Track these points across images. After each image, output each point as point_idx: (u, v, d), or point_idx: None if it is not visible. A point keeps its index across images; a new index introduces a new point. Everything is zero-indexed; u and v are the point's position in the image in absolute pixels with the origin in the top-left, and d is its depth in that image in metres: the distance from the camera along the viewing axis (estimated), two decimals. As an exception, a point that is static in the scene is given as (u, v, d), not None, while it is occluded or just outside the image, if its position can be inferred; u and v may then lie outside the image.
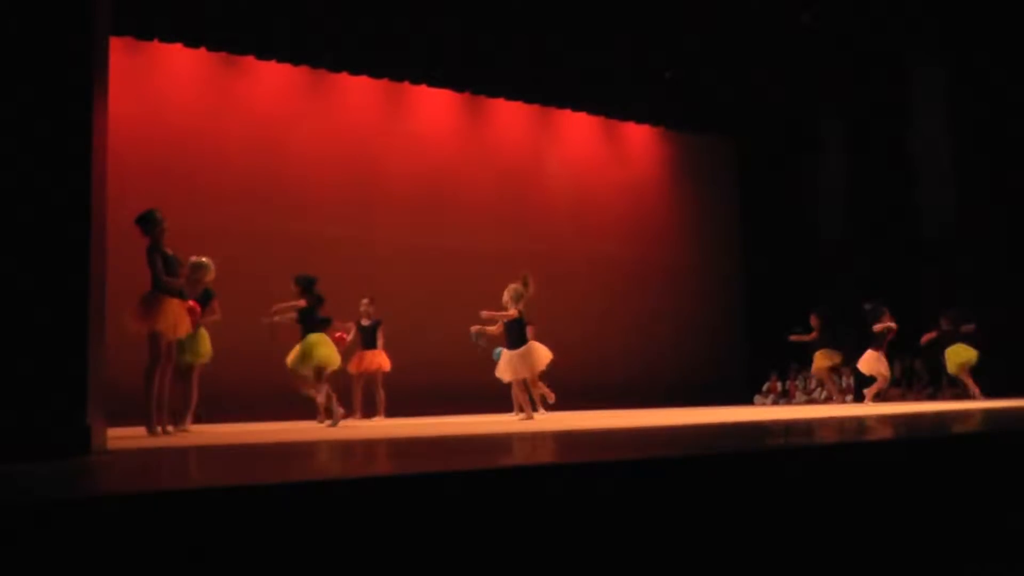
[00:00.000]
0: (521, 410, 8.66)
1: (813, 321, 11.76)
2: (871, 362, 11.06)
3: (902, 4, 12.23)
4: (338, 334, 9.66)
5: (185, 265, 6.85)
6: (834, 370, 12.05)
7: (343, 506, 1.93)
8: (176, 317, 6.54)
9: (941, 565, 2.82)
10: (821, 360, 11.69)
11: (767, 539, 2.53)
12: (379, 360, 9.95)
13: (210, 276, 7.01)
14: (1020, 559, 2.96)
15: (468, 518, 2.06)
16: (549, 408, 9.05)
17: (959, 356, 11.11)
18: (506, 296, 8.47)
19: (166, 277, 6.49)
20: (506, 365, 8.49)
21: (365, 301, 10.04)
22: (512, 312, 8.41)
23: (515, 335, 8.44)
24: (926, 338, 11.47)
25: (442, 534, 2.01)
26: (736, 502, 2.51)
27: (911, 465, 3.05)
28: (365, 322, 9.98)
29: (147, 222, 6.58)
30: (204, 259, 6.94)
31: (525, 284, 8.46)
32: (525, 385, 8.56)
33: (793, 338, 11.89)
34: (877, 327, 11.04)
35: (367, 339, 9.94)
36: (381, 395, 9.99)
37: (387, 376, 10.18)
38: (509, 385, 10.41)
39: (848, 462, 2.93)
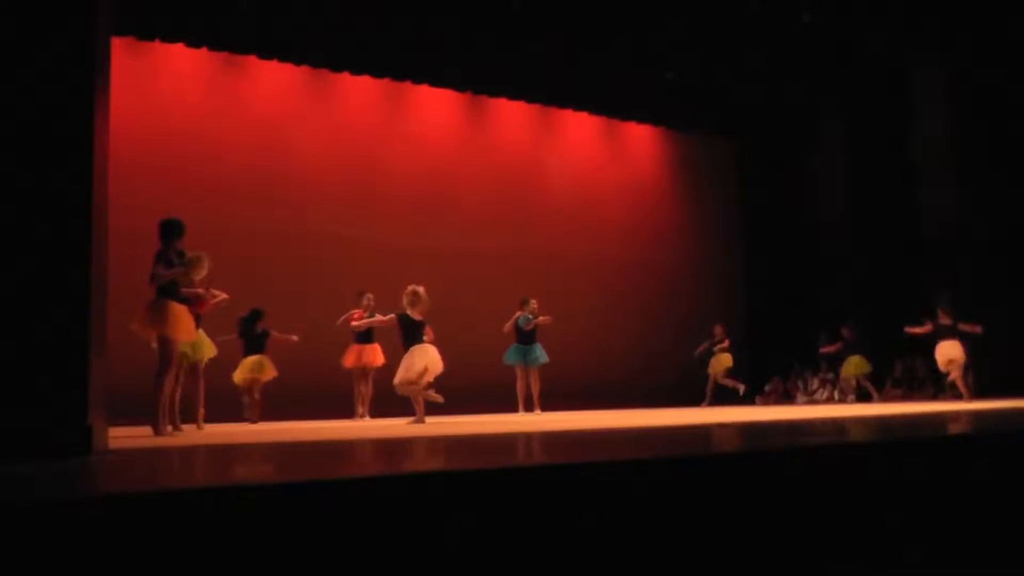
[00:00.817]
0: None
1: (719, 330, 13.38)
2: (945, 351, 11.04)
3: (902, 4, 12.23)
4: (357, 313, 9.79)
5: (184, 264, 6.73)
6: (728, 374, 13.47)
7: (342, 506, 1.94)
8: (182, 321, 6.59)
9: (940, 566, 2.83)
10: (717, 365, 13.34)
11: (767, 539, 2.53)
12: (374, 355, 9.97)
13: (205, 270, 6.91)
14: (1016, 563, 2.96)
15: (467, 518, 2.07)
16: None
17: (854, 366, 12.60)
18: (404, 300, 8.47)
19: (162, 271, 6.46)
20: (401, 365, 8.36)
21: (369, 296, 10.04)
22: (391, 317, 8.46)
23: (406, 335, 8.42)
24: (827, 349, 13.07)
25: (441, 534, 2.01)
26: (736, 502, 2.52)
27: (911, 465, 3.05)
28: (364, 314, 9.94)
29: (169, 228, 6.58)
30: (200, 253, 6.85)
31: (418, 296, 8.41)
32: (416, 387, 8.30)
33: (700, 350, 13.48)
34: (965, 327, 11.06)
35: (364, 333, 9.94)
36: (369, 391, 9.98)
37: (392, 373, 10.21)
38: (514, 384, 10.61)
39: (849, 462, 2.94)
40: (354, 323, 9.52)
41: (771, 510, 2.58)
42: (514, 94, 13.63)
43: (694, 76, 13.73)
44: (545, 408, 10.83)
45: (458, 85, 13.10)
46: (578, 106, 14.35)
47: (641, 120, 15.17)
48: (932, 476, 3.04)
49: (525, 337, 10.54)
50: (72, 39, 3.68)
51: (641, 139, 15.44)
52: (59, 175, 3.57)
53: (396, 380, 8.24)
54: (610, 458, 2.68)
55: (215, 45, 11.24)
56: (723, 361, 13.33)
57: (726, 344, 13.37)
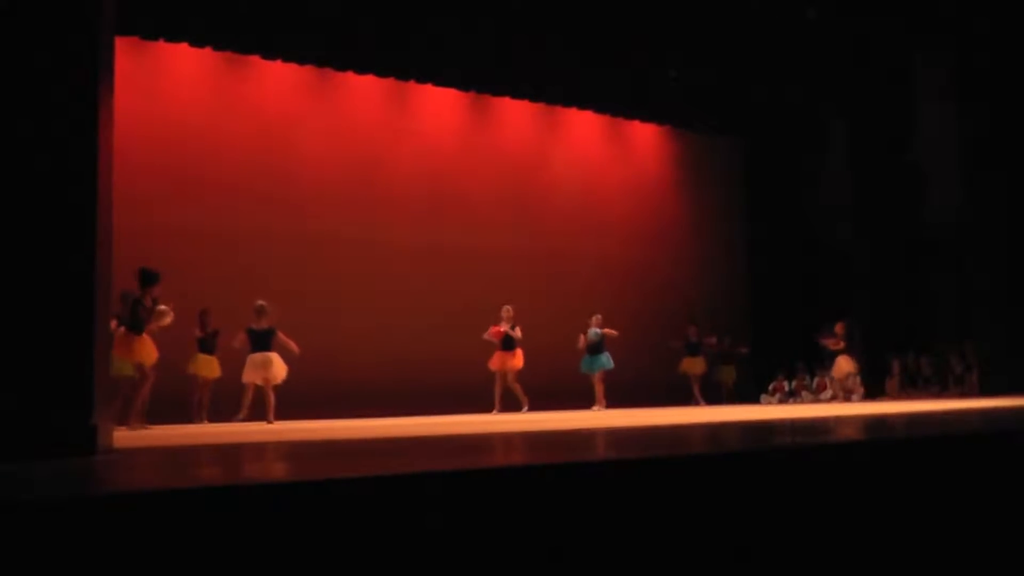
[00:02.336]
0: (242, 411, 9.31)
1: (692, 331, 13.89)
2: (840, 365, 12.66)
3: (905, 4, 12.22)
4: (497, 328, 11.03)
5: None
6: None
7: (343, 505, 1.94)
8: (148, 349, 8.14)
9: (940, 566, 2.83)
10: (693, 367, 13.83)
11: (771, 539, 2.53)
12: (515, 360, 11.08)
13: (168, 320, 8.17)
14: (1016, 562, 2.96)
15: (467, 517, 2.08)
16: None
17: (725, 374, 14.29)
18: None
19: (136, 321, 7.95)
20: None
21: (507, 308, 11.10)
22: (241, 336, 9.27)
23: (251, 346, 9.25)
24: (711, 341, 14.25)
25: (441, 534, 2.02)
26: (740, 501, 2.52)
27: (915, 465, 3.05)
28: (506, 327, 11.08)
29: (146, 277, 7.92)
30: (164, 307, 8.13)
31: (261, 310, 9.26)
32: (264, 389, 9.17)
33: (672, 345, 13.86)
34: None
35: (506, 342, 11.09)
36: (517, 388, 11.05)
37: (396, 373, 11.12)
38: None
39: (851, 461, 2.94)
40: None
41: (774, 510, 2.58)
42: (518, 93, 13.63)
43: (698, 75, 13.72)
44: (546, 407, 10.96)
45: (462, 84, 13.10)
46: (582, 105, 14.34)
47: (645, 119, 15.16)
48: (932, 476, 3.05)
49: (593, 347, 11.89)
50: (75, 39, 3.69)
51: (645, 138, 15.43)
52: (62, 175, 3.57)
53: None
54: (611, 458, 2.68)
55: (219, 45, 11.25)
56: (697, 365, 13.82)
57: (712, 341, 13.95)
